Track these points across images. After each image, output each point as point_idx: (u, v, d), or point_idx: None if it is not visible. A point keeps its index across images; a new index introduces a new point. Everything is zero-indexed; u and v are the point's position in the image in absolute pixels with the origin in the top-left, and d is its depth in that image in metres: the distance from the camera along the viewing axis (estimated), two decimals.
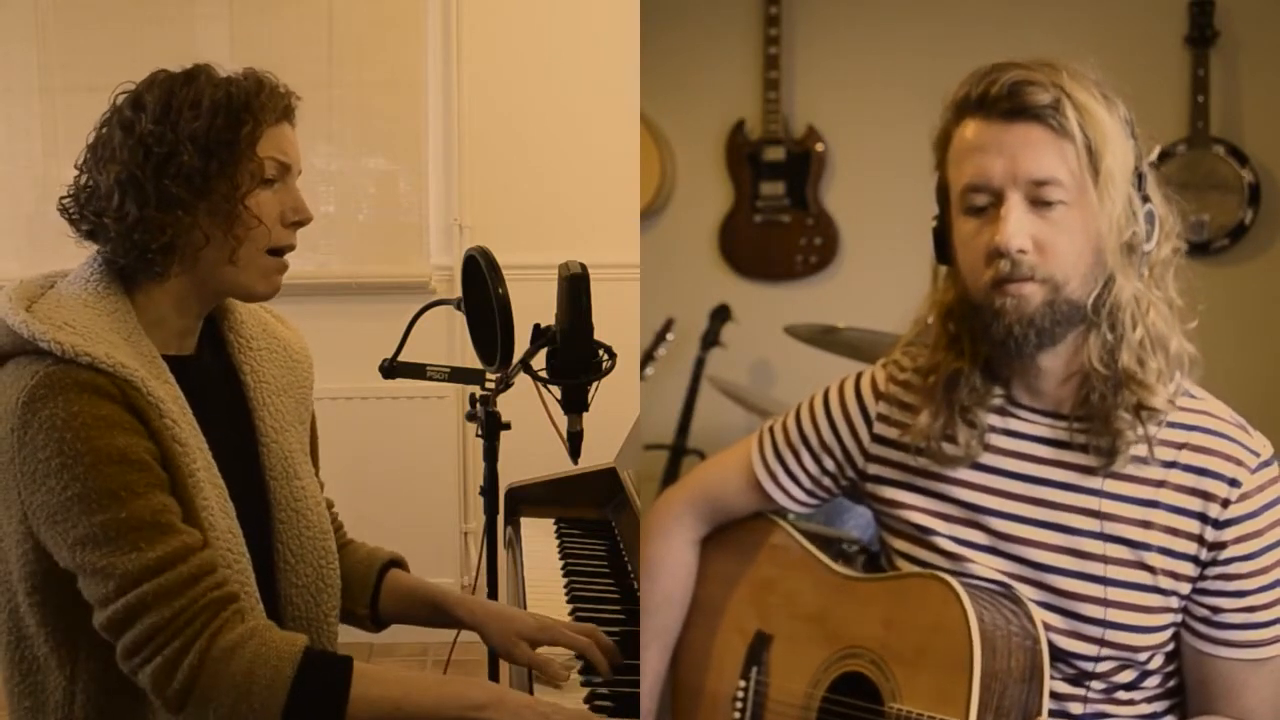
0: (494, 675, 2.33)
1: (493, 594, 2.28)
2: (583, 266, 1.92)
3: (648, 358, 3.30)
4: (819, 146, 3.43)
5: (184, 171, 1.51)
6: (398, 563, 1.87)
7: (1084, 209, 1.35)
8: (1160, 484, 1.39)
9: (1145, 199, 1.39)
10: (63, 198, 1.58)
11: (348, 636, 1.78)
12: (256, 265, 1.58)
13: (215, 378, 1.65)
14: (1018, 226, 1.34)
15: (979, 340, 1.43)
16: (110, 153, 1.53)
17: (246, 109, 1.54)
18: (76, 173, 1.58)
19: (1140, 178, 1.38)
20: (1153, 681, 1.45)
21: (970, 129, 1.38)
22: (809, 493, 1.61)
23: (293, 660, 1.43)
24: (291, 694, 1.42)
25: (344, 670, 1.47)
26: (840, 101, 3.40)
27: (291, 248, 1.61)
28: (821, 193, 3.44)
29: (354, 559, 1.84)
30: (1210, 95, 2.97)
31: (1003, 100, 1.35)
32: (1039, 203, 1.35)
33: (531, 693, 1.70)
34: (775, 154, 3.43)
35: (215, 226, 1.54)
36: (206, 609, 1.44)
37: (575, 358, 1.93)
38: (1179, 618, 1.42)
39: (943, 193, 1.44)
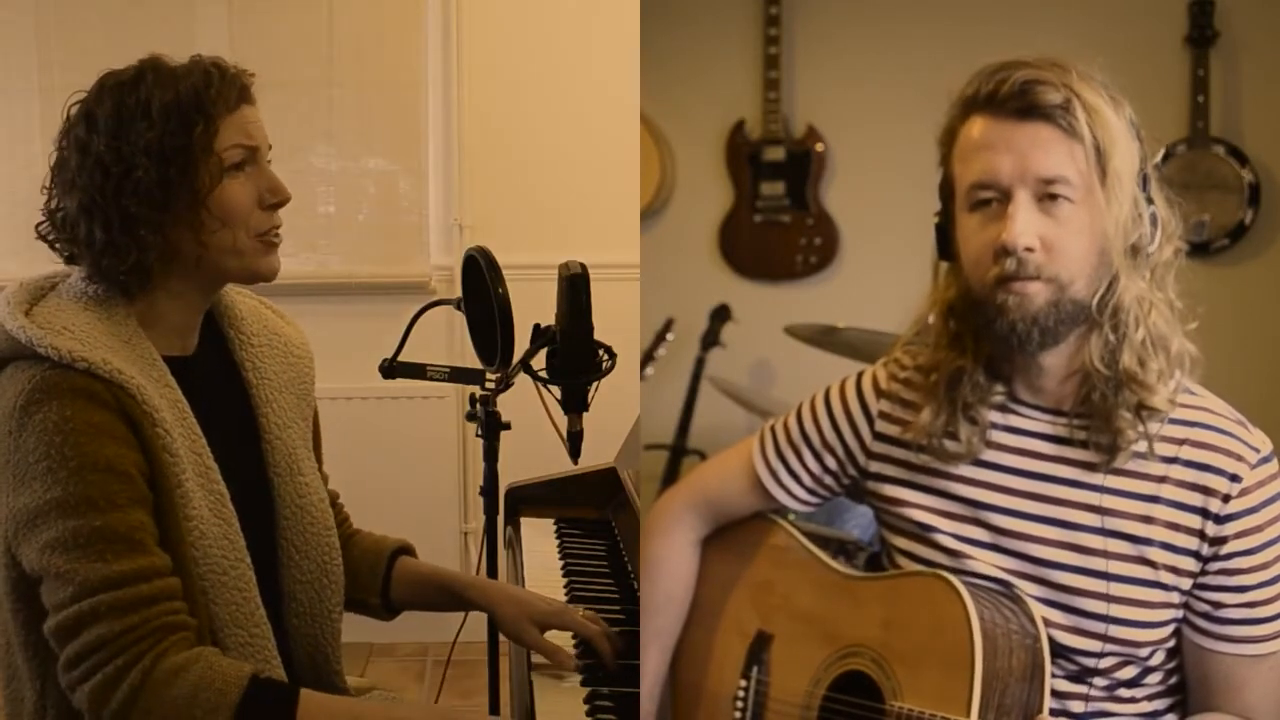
0: (494, 676, 2.33)
1: None
2: (583, 266, 1.92)
3: (648, 358, 3.30)
4: (819, 146, 3.43)
5: (142, 187, 1.48)
6: (406, 550, 1.87)
7: (1091, 209, 1.35)
8: (1161, 480, 1.39)
9: (1150, 200, 1.39)
10: (38, 224, 1.57)
11: (349, 636, 1.78)
12: (235, 252, 1.54)
13: (217, 376, 1.65)
14: (1025, 225, 1.34)
15: (981, 338, 1.43)
16: (71, 177, 1.51)
17: (198, 108, 1.50)
18: (45, 195, 1.55)
19: (1145, 179, 1.39)
20: (1154, 679, 1.45)
21: (978, 126, 1.38)
22: (811, 491, 1.61)
23: (238, 687, 1.39)
24: None
25: (290, 699, 1.43)
26: (840, 101, 3.39)
27: (275, 228, 1.57)
28: (821, 193, 3.44)
29: (362, 548, 1.84)
30: (1210, 95, 2.96)
31: (1013, 99, 1.35)
32: (1047, 202, 1.35)
33: (530, 683, 1.70)
34: (775, 154, 3.42)
35: (183, 236, 1.52)
36: (157, 631, 1.40)
37: (575, 358, 1.93)
38: (1180, 613, 1.42)
39: (946, 188, 1.44)
